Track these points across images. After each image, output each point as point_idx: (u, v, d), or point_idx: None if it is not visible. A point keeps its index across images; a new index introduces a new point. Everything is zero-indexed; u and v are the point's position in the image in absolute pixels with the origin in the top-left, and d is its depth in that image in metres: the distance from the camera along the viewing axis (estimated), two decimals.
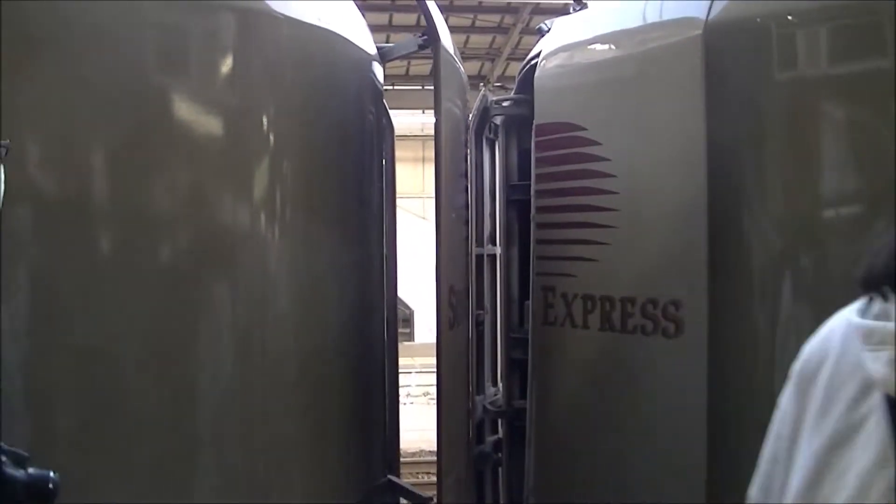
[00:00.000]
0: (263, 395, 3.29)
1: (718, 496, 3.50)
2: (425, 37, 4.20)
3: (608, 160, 3.98)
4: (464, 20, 20.19)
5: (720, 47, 3.57)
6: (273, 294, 3.36)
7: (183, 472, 3.07)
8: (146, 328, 2.94)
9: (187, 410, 3.07)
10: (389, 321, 4.51)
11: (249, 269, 3.24)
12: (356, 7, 4.17)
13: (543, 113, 4.41)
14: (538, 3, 17.75)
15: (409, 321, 24.39)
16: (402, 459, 5.06)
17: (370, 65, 4.04)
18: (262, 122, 3.31)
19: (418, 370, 19.88)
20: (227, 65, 3.19)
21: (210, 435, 3.16)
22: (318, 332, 3.55)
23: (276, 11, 3.34)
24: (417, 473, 14.54)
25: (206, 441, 3.15)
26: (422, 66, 23.36)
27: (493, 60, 22.81)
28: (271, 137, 3.33)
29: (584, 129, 4.09)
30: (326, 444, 3.64)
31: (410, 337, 24.14)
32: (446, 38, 4.12)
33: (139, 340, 2.94)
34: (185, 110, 3.07)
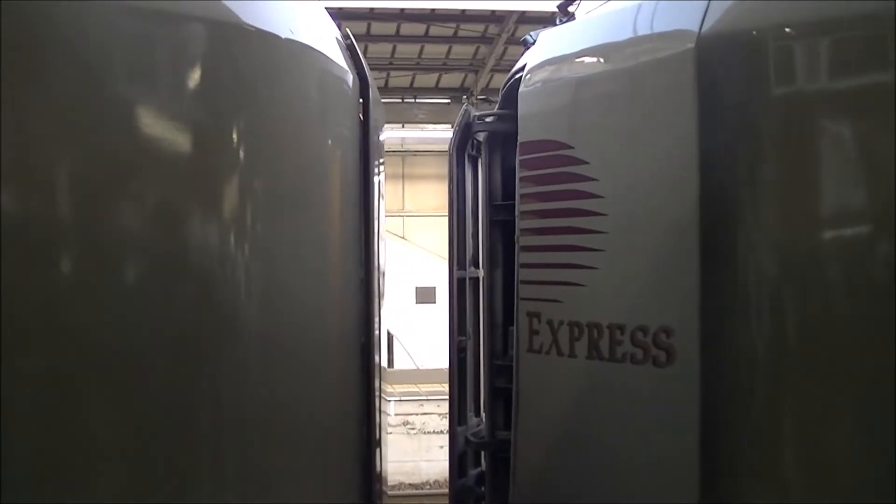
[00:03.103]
0: (224, 427, 3.26)
1: None
2: None
3: (595, 180, 4.00)
4: (446, 30, 20.29)
5: (714, 61, 3.60)
6: (239, 316, 3.32)
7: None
8: (110, 352, 2.91)
9: (151, 439, 3.03)
10: (366, 348, 4.48)
11: (215, 288, 3.22)
12: (331, 18, 4.16)
13: (528, 130, 4.43)
14: (524, 12, 17.86)
15: (388, 346, 24.28)
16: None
17: (345, 78, 4.03)
18: (231, 138, 3.28)
19: (397, 398, 19.80)
20: (195, 78, 3.17)
21: (175, 464, 3.12)
22: (285, 358, 3.51)
23: (246, 23, 3.32)
24: None
25: (170, 470, 3.11)
26: (402, 79, 23.50)
27: (476, 72, 22.95)
28: (241, 154, 3.31)
29: (570, 147, 4.11)
30: (294, 479, 3.60)
31: (390, 363, 24.04)
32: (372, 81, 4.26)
33: (102, 364, 2.90)
34: (152, 125, 3.05)
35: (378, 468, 4.32)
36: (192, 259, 3.16)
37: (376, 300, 4.25)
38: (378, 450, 4.29)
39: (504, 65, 20.98)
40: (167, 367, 3.08)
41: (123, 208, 2.97)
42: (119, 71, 2.94)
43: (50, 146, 2.79)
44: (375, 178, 4.22)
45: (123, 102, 2.95)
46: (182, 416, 3.12)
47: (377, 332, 4.29)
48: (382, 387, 4.39)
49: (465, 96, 22.77)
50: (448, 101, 23.63)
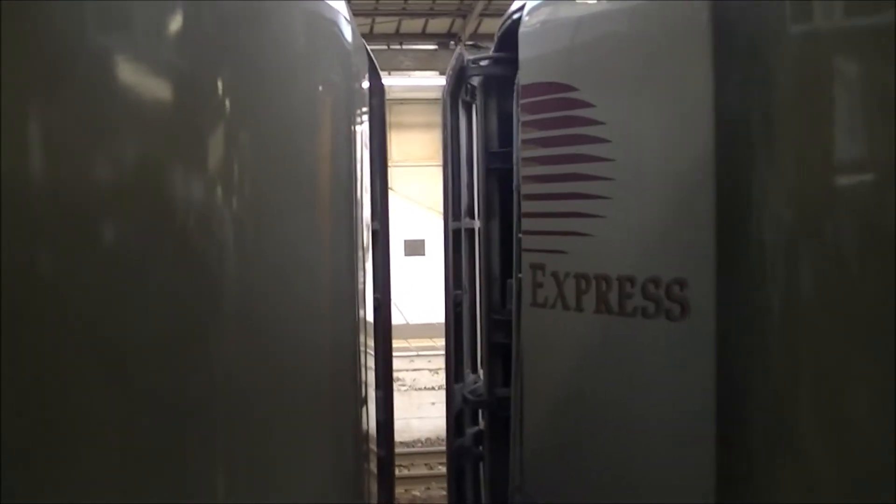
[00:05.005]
0: (212, 393, 3.17)
1: (729, 492, 3.44)
2: None
3: (602, 124, 3.88)
4: None
5: None
6: (227, 279, 3.22)
7: (141, 483, 2.95)
8: (88, 320, 2.80)
9: (138, 416, 2.94)
10: (381, 304, 4.41)
11: (199, 250, 3.10)
12: None
13: (529, 72, 4.29)
14: None
15: None
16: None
17: (335, 20, 3.88)
18: (214, 85, 3.15)
19: None
20: (173, 21, 3.03)
21: (166, 437, 3.03)
22: (274, 319, 3.42)
23: None
24: None
25: (162, 444, 3.02)
26: (387, 25, 23.30)
27: (464, 17, 22.76)
28: (226, 103, 3.18)
29: (575, 89, 3.99)
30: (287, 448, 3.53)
31: None
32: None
33: (81, 335, 2.79)
34: (128, 73, 2.90)
35: (364, 427, 4.25)
36: (176, 217, 3.04)
37: (360, 253, 4.16)
38: (364, 408, 4.22)
39: (493, 9, 20.77)
40: (157, 333, 2.98)
41: (97, 165, 2.83)
42: (91, 14, 2.80)
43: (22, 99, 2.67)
44: (357, 128, 4.10)
45: (97, 48, 2.80)
46: (174, 385, 3.04)
47: (362, 286, 4.21)
48: (367, 342, 4.31)
49: (452, 42, 22.63)
50: (435, 47, 23.55)
